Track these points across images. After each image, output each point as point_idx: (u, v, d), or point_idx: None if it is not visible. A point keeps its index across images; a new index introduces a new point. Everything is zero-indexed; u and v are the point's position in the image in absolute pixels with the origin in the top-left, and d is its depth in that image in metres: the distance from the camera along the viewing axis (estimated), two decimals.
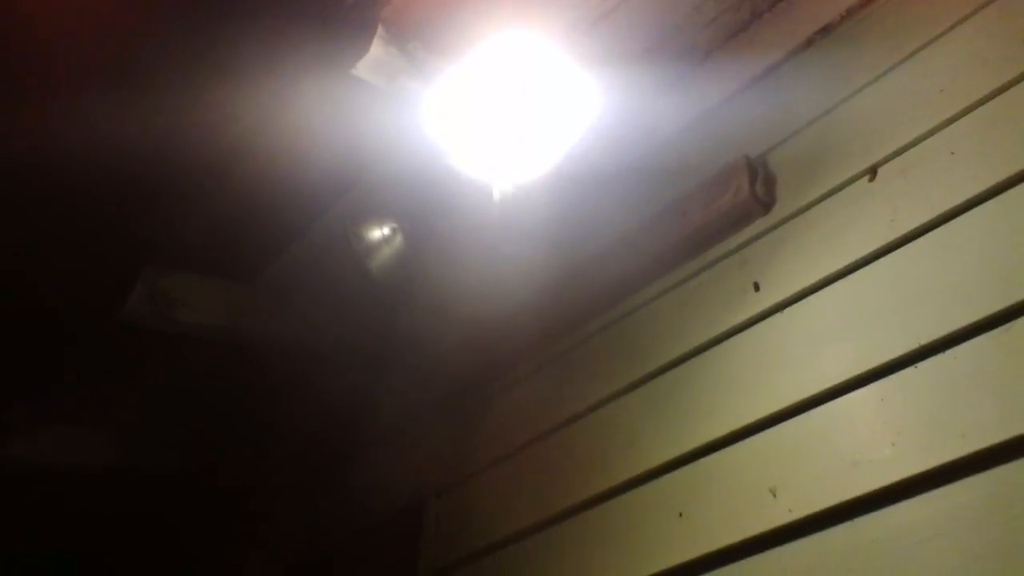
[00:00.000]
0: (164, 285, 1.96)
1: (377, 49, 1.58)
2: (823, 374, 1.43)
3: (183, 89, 1.66)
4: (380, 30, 1.59)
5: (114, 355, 2.04)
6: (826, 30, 1.73)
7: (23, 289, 1.86)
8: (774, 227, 1.64)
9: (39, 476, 2.16)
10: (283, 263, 2.00)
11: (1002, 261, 1.29)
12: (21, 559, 2.50)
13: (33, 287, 1.87)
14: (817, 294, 1.51)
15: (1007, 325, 1.26)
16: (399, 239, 1.76)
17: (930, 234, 1.40)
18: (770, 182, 1.67)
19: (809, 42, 1.75)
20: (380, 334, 2.04)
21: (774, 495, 1.40)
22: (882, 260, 1.44)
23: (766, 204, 1.66)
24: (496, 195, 1.54)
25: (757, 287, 1.60)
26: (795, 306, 1.53)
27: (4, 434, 2.03)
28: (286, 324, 2.04)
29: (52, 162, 1.72)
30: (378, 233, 1.76)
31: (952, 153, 1.43)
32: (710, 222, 1.69)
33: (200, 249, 1.95)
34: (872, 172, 1.53)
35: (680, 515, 1.51)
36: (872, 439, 1.33)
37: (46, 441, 2.09)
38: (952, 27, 1.51)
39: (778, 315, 1.55)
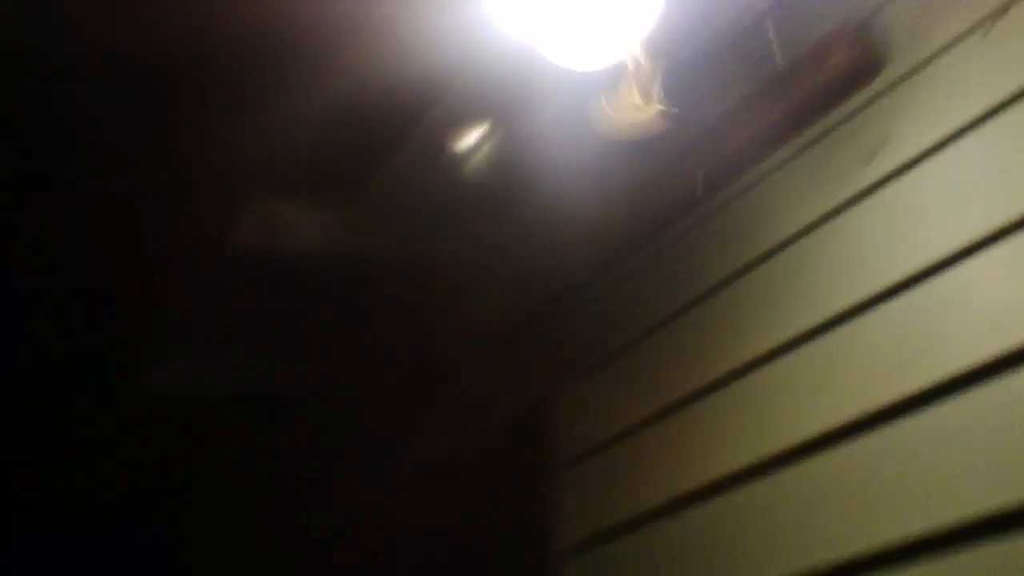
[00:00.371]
0: (272, 209, 1.98)
1: None
2: (958, 231, 1.40)
3: None
4: None
5: (227, 282, 2.08)
6: None
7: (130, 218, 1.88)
8: (891, 87, 1.60)
9: (175, 404, 2.24)
10: (386, 175, 1.99)
11: None
12: (153, 488, 2.63)
13: (140, 216, 1.89)
14: (947, 148, 1.47)
15: None
16: (499, 135, 1.74)
17: None
18: (876, 46, 1.63)
19: None
20: (480, 240, 2.05)
21: (918, 358, 1.39)
22: (1009, 110, 1.39)
23: (876, 67, 1.61)
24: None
25: (879, 151, 1.57)
26: (924, 163, 1.50)
27: (139, 368, 2.11)
28: (390, 238, 2.06)
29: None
30: (474, 135, 1.74)
31: None
32: (821, 88, 1.66)
33: (304, 165, 1.94)
34: (990, 25, 1.47)
35: (819, 385, 1.52)
36: (1014, 296, 1.31)
37: (180, 371, 2.16)
38: None
39: (910, 172, 1.51)
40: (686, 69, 1.74)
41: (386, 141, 1.92)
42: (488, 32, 1.67)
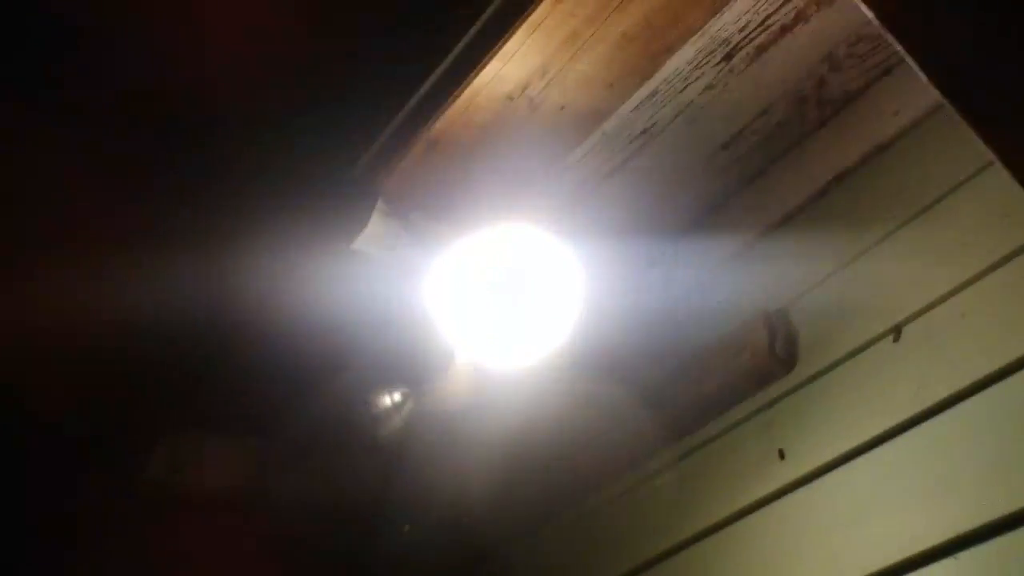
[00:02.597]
0: (182, 450, 1.96)
1: (377, 223, 1.58)
2: (855, 562, 1.30)
3: (189, 262, 1.69)
4: (380, 203, 1.60)
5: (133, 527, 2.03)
6: (842, 177, 1.67)
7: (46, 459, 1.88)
8: (797, 388, 1.54)
9: None
10: (300, 424, 1.99)
11: None
12: None
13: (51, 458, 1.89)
14: (845, 466, 1.40)
15: None
16: (409, 405, 1.73)
17: (959, 406, 1.29)
18: (791, 339, 1.59)
19: (825, 189, 1.69)
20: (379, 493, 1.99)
21: None
22: (910, 432, 1.33)
23: (788, 364, 1.56)
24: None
25: (782, 455, 1.49)
26: (823, 479, 1.42)
27: None
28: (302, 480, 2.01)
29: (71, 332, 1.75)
30: (387, 400, 1.73)
31: (978, 314, 1.32)
32: (729, 382, 1.60)
33: (215, 413, 1.95)
34: (896, 332, 1.43)
35: None
36: None
37: None
38: (970, 177, 1.43)
39: (805, 488, 1.44)
40: (606, 350, 1.72)
41: (297, 399, 1.93)
42: (408, 309, 1.68)
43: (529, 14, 1.41)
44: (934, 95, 1.55)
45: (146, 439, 1.94)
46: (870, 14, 0.82)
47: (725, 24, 1.53)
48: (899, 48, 0.82)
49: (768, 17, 1.54)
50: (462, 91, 1.51)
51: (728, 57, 1.59)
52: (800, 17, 1.55)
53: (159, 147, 1.63)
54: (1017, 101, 0.83)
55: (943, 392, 1.30)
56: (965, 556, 1.19)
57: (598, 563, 1.70)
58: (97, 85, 1.56)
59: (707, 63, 1.58)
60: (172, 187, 1.69)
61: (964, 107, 0.81)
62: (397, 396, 1.74)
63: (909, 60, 0.81)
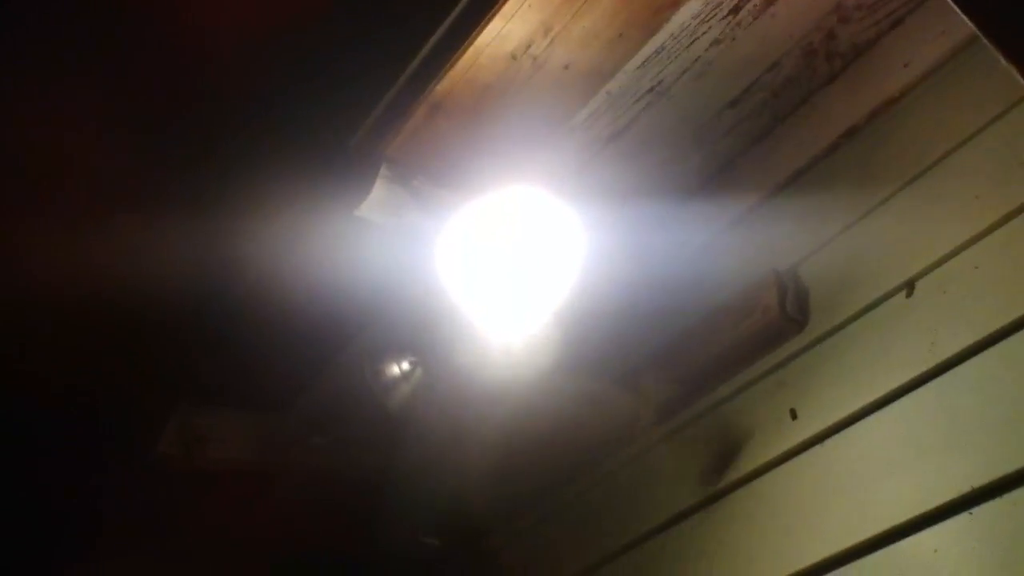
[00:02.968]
0: (195, 423, 1.96)
1: (380, 189, 1.56)
2: (869, 519, 1.29)
3: (197, 230, 1.68)
4: (383, 169, 1.58)
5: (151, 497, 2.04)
6: (852, 132, 1.64)
7: (50, 434, 1.88)
8: (809, 347, 1.53)
9: None
10: (309, 396, 1.99)
11: None
12: None
13: (62, 432, 1.89)
14: (858, 424, 1.38)
15: None
16: (418, 373, 1.72)
17: (975, 359, 1.27)
18: (802, 298, 1.57)
19: (835, 146, 1.66)
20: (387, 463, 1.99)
21: None
22: (925, 387, 1.31)
23: (799, 322, 1.54)
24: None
25: (794, 414, 1.48)
26: (835, 437, 1.41)
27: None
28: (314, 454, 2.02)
29: (80, 303, 1.75)
30: (396, 369, 1.72)
31: (993, 266, 1.30)
32: (741, 342, 1.59)
33: (227, 387, 1.95)
34: (909, 287, 1.41)
35: None
36: None
37: None
38: (981, 129, 1.40)
39: (818, 447, 1.43)
40: (603, 323, 1.71)
41: (311, 367, 1.92)
42: (417, 274, 1.67)
43: None
44: (944, 45, 1.53)
45: (160, 413, 1.94)
46: None
47: None
48: None
49: None
50: (464, 51, 1.48)
51: (735, 10, 1.55)
52: None
53: (166, 114, 1.60)
54: None
55: (958, 346, 1.28)
56: (979, 511, 1.18)
57: (612, 527, 1.70)
58: (103, 53, 1.54)
59: (714, 16, 1.55)
60: (177, 155, 1.67)
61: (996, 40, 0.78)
62: (406, 365, 1.73)
63: None
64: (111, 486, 1.96)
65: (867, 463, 1.33)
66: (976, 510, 1.18)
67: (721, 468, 1.53)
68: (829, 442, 1.40)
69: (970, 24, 0.78)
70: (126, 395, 1.95)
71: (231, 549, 2.18)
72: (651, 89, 1.66)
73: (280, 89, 1.55)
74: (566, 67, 1.56)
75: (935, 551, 1.20)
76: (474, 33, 1.46)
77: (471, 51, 1.49)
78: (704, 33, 1.57)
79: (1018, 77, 0.78)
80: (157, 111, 1.55)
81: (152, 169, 1.65)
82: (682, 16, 1.52)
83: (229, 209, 1.68)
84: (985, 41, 0.79)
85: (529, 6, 1.43)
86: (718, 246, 1.73)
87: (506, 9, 1.44)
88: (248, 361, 1.93)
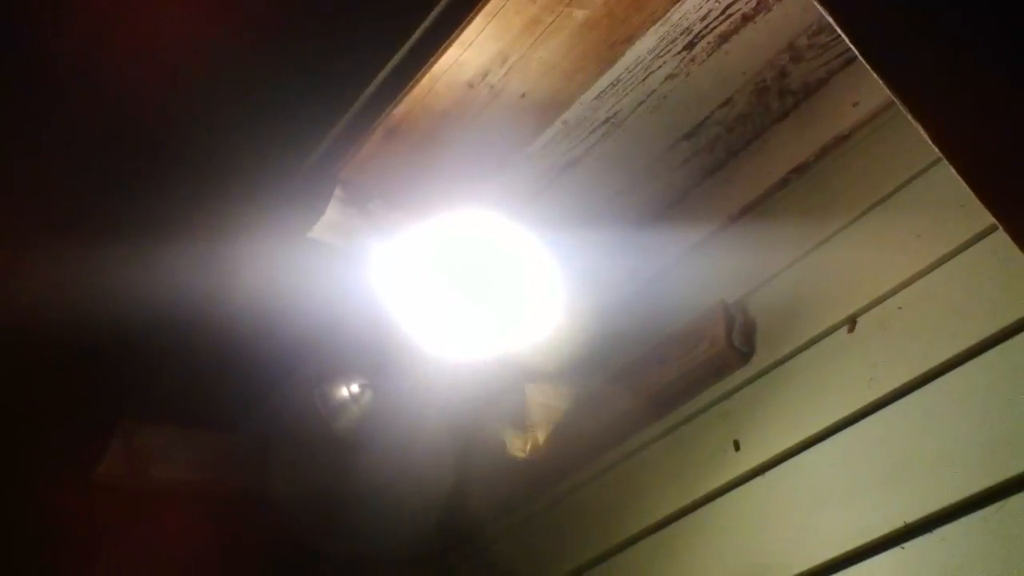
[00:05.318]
0: (140, 442, 1.93)
1: (334, 211, 1.56)
2: (807, 551, 1.31)
3: (145, 252, 1.66)
4: (338, 191, 1.58)
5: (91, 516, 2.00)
6: (802, 168, 1.67)
7: None
8: (754, 378, 1.55)
9: None
10: (258, 416, 1.97)
11: (990, 429, 1.18)
12: None
13: (3, 452, 1.85)
14: (798, 457, 1.40)
15: (999, 504, 1.14)
16: (368, 396, 1.71)
17: (912, 395, 1.29)
18: (749, 330, 1.59)
19: (785, 181, 1.69)
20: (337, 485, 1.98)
21: None
22: (863, 422, 1.34)
23: (745, 354, 1.56)
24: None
25: (737, 446, 1.50)
26: (776, 469, 1.43)
27: None
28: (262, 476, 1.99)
29: (23, 324, 1.72)
30: (345, 392, 1.72)
31: (932, 304, 1.33)
32: (688, 372, 1.60)
33: (175, 404, 1.93)
34: (851, 323, 1.44)
35: None
36: None
37: None
38: (926, 168, 1.44)
39: (759, 479, 1.44)
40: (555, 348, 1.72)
41: (260, 387, 1.91)
42: (369, 297, 1.66)
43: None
44: None
45: (102, 431, 1.91)
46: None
47: (687, 12, 1.52)
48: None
49: (730, 6, 1.54)
50: (421, 77, 1.49)
51: (690, 46, 1.58)
52: (762, 6, 1.55)
53: (113, 137, 1.59)
54: (968, 103, 0.82)
55: (895, 382, 1.31)
56: (911, 546, 1.20)
57: (555, 556, 1.70)
58: (52, 76, 1.53)
59: (669, 51, 1.58)
60: (127, 178, 1.66)
61: (914, 107, 0.81)
62: (355, 387, 1.72)
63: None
64: (53, 504, 1.92)
65: (806, 496, 1.35)
66: (908, 545, 1.20)
67: (666, 496, 1.54)
68: (770, 474, 1.42)
69: (887, 90, 0.80)
70: (68, 413, 1.92)
71: (176, 570, 2.14)
72: (607, 120, 1.68)
73: (235, 110, 1.55)
74: (523, 96, 1.58)
75: None
76: (432, 59, 1.47)
77: (428, 77, 1.50)
78: (659, 67, 1.60)
79: (927, 139, 0.81)
80: (102, 133, 1.54)
81: (100, 192, 1.63)
82: (638, 50, 1.55)
83: (180, 230, 1.67)
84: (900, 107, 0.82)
85: (487, 36, 1.45)
86: (670, 276, 1.75)
87: (464, 37, 1.45)
88: (197, 381, 1.91)
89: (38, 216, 1.70)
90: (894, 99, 0.81)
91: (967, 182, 0.83)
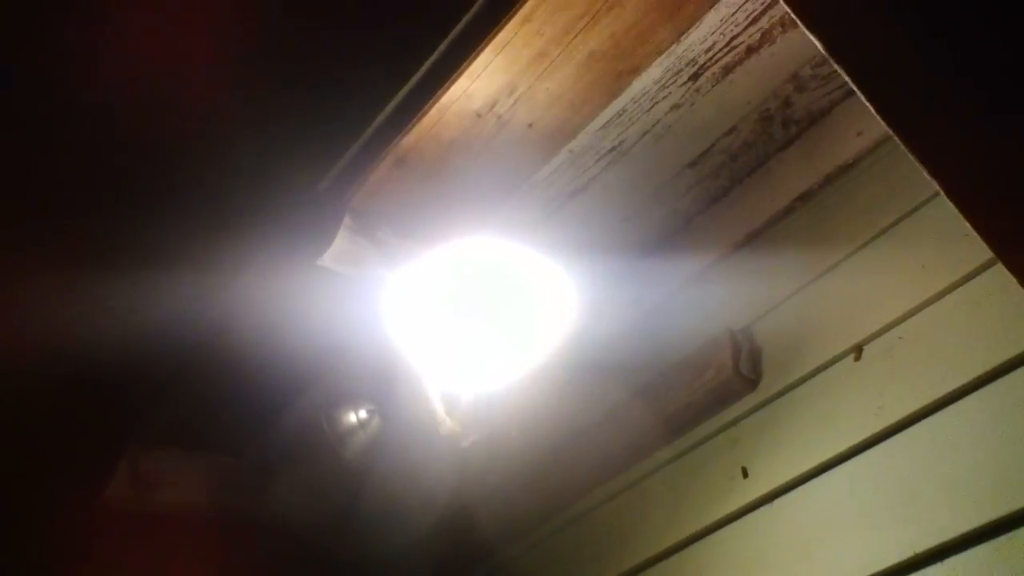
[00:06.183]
0: (147, 465, 1.93)
1: (344, 239, 1.57)
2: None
3: (154, 280, 1.67)
4: (347, 219, 1.59)
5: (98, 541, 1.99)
6: (806, 197, 1.68)
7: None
8: (761, 405, 1.55)
9: None
10: (265, 441, 1.97)
11: (1000, 459, 1.19)
12: None
13: (11, 477, 1.85)
14: (806, 485, 1.41)
15: (1009, 534, 1.14)
16: (376, 422, 1.72)
17: (919, 424, 1.30)
18: (755, 357, 1.59)
19: (789, 209, 1.70)
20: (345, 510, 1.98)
21: None
22: (872, 451, 1.34)
23: (752, 381, 1.57)
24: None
25: (746, 473, 1.50)
26: (784, 498, 1.43)
27: None
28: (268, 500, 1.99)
29: (30, 351, 1.73)
30: (353, 417, 1.72)
31: (937, 334, 1.34)
32: (695, 399, 1.61)
33: (183, 428, 1.93)
34: (858, 351, 1.45)
35: None
36: None
37: None
38: (930, 198, 1.45)
39: (767, 507, 1.45)
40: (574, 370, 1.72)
41: (268, 413, 1.91)
42: (378, 324, 1.67)
43: (497, 32, 1.41)
44: None
45: (109, 455, 1.91)
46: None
47: (692, 44, 1.54)
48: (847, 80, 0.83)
49: (734, 38, 1.56)
50: (430, 107, 1.51)
51: (695, 77, 1.60)
52: (766, 38, 1.57)
53: (122, 164, 1.60)
54: (966, 138, 0.84)
55: (903, 411, 1.31)
56: None
57: None
58: (55, 104, 1.54)
59: (674, 83, 1.60)
60: (138, 205, 1.67)
61: (910, 140, 0.82)
62: (363, 413, 1.73)
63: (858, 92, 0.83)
64: (61, 529, 1.92)
65: (815, 524, 1.35)
66: (918, 575, 1.20)
67: (674, 524, 1.54)
68: (778, 502, 1.42)
69: (883, 124, 0.82)
70: (76, 438, 1.92)
71: None
72: (612, 149, 1.69)
73: (243, 139, 1.56)
74: (530, 125, 1.59)
75: None
76: (440, 91, 1.49)
77: (437, 107, 1.52)
78: (664, 98, 1.62)
79: (925, 174, 0.82)
80: (108, 162, 1.55)
81: (107, 219, 1.64)
82: (643, 81, 1.57)
83: (188, 258, 1.68)
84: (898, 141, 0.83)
85: (495, 67, 1.47)
86: (675, 303, 1.76)
87: (472, 69, 1.47)
88: (204, 406, 1.91)
89: (46, 246, 1.71)
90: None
91: (965, 216, 0.84)
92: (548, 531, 1.80)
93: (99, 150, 1.59)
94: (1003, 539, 1.14)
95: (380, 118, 1.57)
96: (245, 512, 2.06)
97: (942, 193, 1.38)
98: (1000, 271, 1.32)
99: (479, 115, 1.56)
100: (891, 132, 0.81)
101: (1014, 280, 1.25)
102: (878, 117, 0.85)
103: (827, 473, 1.37)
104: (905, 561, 1.21)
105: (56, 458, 1.90)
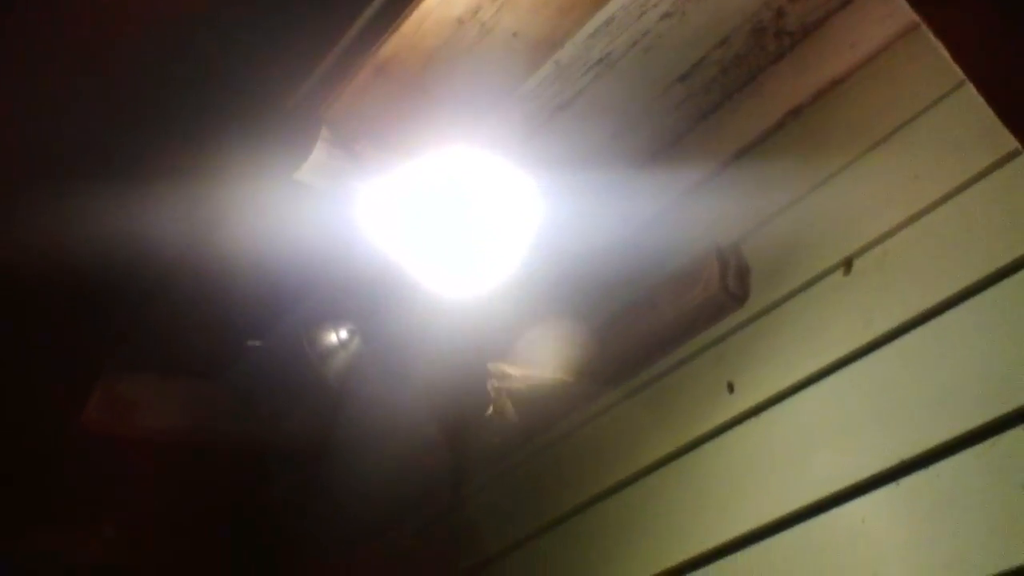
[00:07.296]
0: (124, 389, 1.90)
1: (321, 152, 1.52)
2: (801, 490, 1.32)
3: (128, 194, 1.62)
4: (324, 131, 1.53)
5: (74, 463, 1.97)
6: (797, 112, 1.64)
7: None
8: (748, 322, 1.54)
9: None
10: (245, 363, 1.94)
11: (985, 368, 1.18)
12: None
13: None
14: (793, 398, 1.40)
15: (992, 439, 1.14)
16: (356, 342, 1.69)
17: (907, 335, 1.29)
18: (743, 273, 1.57)
19: (781, 123, 1.66)
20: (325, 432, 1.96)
21: None
22: (858, 363, 1.33)
23: (739, 298, 1.55)
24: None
25: (731, 388, 1.49)
26: (771, 410, 1.43)
27: None
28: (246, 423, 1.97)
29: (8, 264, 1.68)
30: (334, 338, 1.69)
31: (929, 246, 1.32)
32: (682, 316, 1.59)
33: (159, 351, 1.89)
34: (847, 265, 1.43)
35: None
36: (854, 566, 1.21)
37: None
38: (924, 110, 1.42)
39: (753, 420, 1.44)
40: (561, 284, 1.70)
41: (247, 333, 1.88)
42: (358, 240, 1.63)
43: None
44: (890, 28, 1.54)
45: (85, 378, 1.87)
46: None
47: None
48: None
49: None
50: (410, 13, 1.44)
51: None
52: None
53: (88, 74, 1.53)
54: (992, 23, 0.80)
55: (891, 323, 1.30)
56: (906, 482, 1.20)
57: (550, 498, 1.70)
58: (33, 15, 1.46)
59: None
60: (102, 118, 1.60)
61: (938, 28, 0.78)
62: (344, 333, 1.70)
63: None
64: (36, 451, 1.90)
65: (801, 436, 1.35)
66: (903, 481, 1.20)
67: (659, 439, 1.54)
68: (764, 415, 1.42)
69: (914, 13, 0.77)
70: (52, 358, 1.88)
71: (159, 517, 2.13)
72: (600, 60, 1.64)
73: (217, 48, 1.49)
74: (514, 34, 1.53)
75: (863, 520, 1.23)
76: None
77: (417, 13, 1.45)
78: (655, 5, 1.56)
79: (953, 65, 0.78)
80: (78, 71, 1.48)
81: (75, 133, 1.58)
82: None
83: (161, 173, 1.63)
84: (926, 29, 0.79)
85: None
86: (664, 220, 1.73)
87: None
88: (182, 328, 1.88)
89: (12, 159, 1.65)
90: (919, 19, 0.79)
91: (992, 107, 0.81)
92: (532, 451, 1.79)
93: (73, 64, 1.53)
94: (986, 444, 1.14)
95: (357, 25, 1.51)
96: (222, 436, 2.04)
97: (940, 102, 1.35)
98: (991, 181, 1.30)
99: (461, 22, 1.50)
100: (917, 17, 0.76)
101: (1006, 191, 1.23)
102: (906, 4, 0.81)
103: (813, 385, 1.37)
104: (891, 468, 1.21)
105: (31, 379, 1.87)
